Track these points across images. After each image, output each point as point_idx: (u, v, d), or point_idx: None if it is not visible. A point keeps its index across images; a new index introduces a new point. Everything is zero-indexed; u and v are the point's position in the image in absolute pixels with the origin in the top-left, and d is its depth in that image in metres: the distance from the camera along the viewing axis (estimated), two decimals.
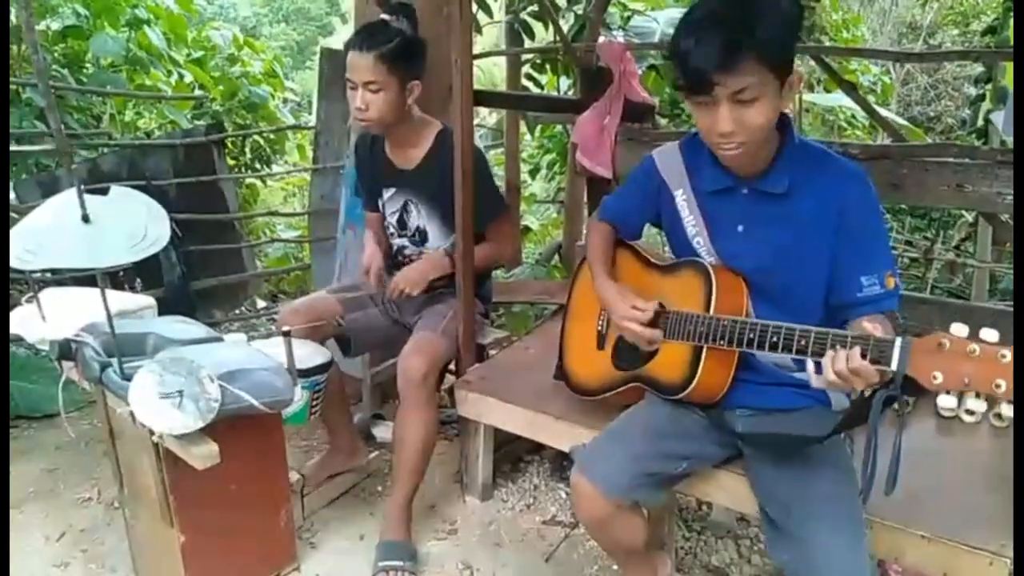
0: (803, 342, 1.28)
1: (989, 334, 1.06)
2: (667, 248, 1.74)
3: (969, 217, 5.11)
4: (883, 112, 3.93)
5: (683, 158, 1.59)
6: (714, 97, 1.28)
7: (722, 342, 1.43)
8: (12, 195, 3.34)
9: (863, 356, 1.17)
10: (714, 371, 1.51)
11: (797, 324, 1.32)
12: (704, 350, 1.49)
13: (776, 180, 1.43)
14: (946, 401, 1.09)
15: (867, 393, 1.22)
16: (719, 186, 1.51)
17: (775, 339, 1.33)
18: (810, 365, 1.28)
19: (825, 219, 1.41)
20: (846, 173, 1.42)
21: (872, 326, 1.20)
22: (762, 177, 1.45)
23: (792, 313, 1.46)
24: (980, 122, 4.24)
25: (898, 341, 1.14)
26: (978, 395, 1.07)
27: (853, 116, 5.76)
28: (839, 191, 1.40)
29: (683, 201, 1.58)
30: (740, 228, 1.51)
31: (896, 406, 1.17)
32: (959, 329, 1.09)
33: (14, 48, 4.06)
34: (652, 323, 1.60)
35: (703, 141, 1.50)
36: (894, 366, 1.14)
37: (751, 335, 1.38)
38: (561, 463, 2.56)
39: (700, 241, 1.57)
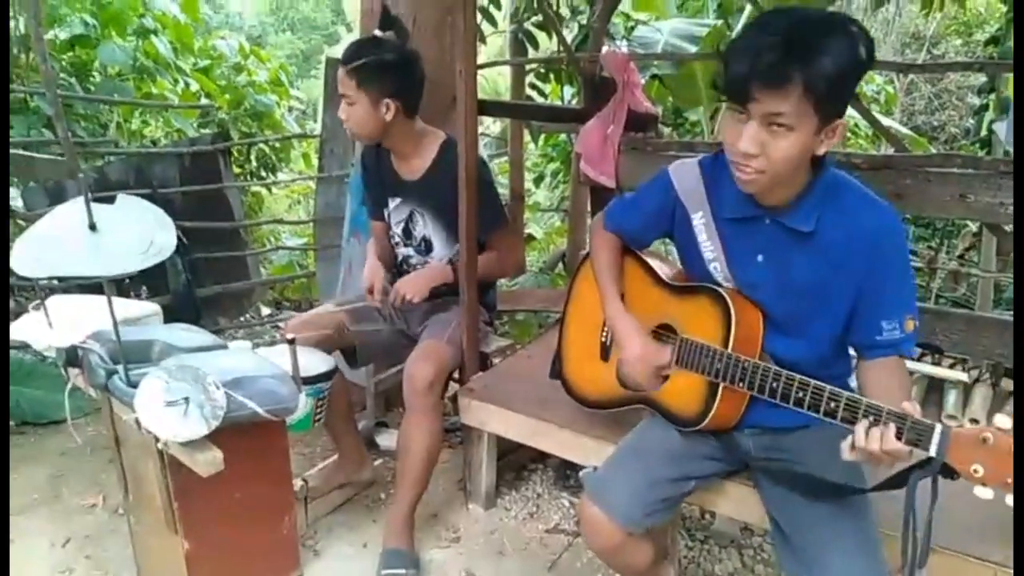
0: (832, 405, 1.25)
1: None
2: (672, 255, 1.73)
3: (973, 227, 5.11)
4: (886, 122, 3.94)
5: (704, 179, 1.51)
6: (748, 111, 1.22)
7: (741, 384, 1.40)
8: (19, 203, 3.37)
9: (898, 436, 1.14)
10: (729, 406, 1.49)
11: (811, 358, 1.32)
12: (720, 387, 1.45)
13: (803, 217, 1.36)
14: (983, 492, 1.08)
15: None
16: (741, 214, 1.44)
17: (801, 395, 1.30)
18: (847, 442, 1.21)
19: (853, 262, 1.35)
20: (879, 216, 1.35)
21: (911, 404, 1.16)
22: (788, 211, 1.37)
23: (805, 344, 1.45)
24: (984, 132, 4.25)
25: (938, 428, 1.11)
26: None
27: (856, 126, 5.76)
28: (871, 235, 1.33)
29: (701, 224, 1.51)
30: (760, 258, 1.44)
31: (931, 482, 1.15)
32: (1003, 421, 1.06)
33: (22, 57, 4.10)
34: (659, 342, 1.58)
35: (725, 161, 1.46)
36: (932, 452, 1.11)
37: (775, 385, 1.34)
38: (564, 472, 2.56)
39: (717, 267, 1.51)
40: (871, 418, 1.19)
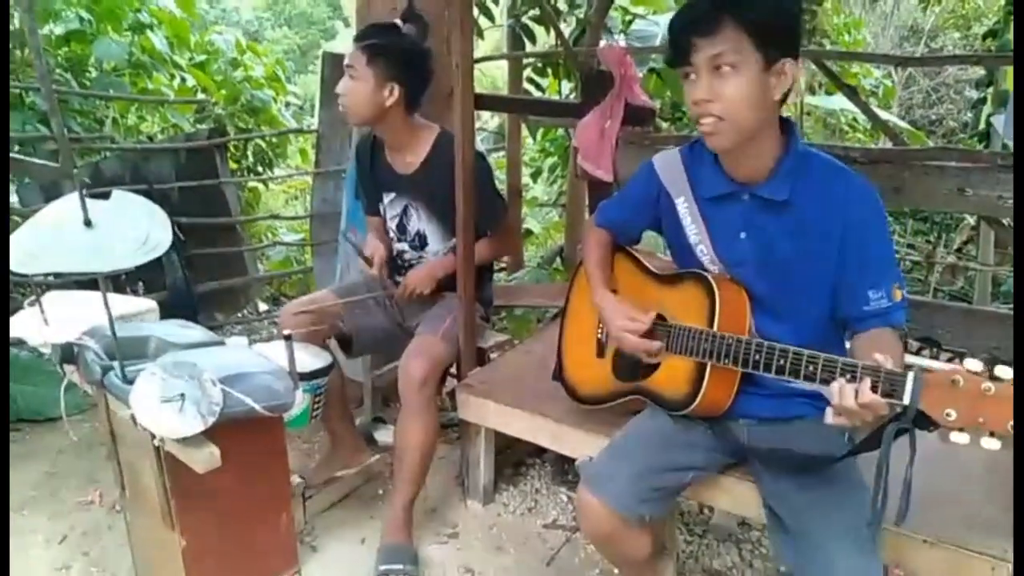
0: (811, 368, 1.26)
1: (1004, 371, 1.04)
2: (666, 251, 1.73)
3: (971, 220, 5.11)
4: (884, 115, 3.93)
5: (684, 165, 1.57)
6: (694, 66, 1.30)
7: (727, 361, 1.41)
8: (15, 198, 3.36)
9: (874, 389, 1.15)
10: (718, 387, 1.49)
11: (803, 342, 1.30)
12: (708, 367, 1.47)
13: (777, 187, 1.41)
14: (959, 437, 1.08)
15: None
16: (720, 192, 1.49)
17: (782, 362, 1.31)
18: (830, 409, 1.22)
19: (830, 230, 1.38)
20: (852, 184, 1.40)
21: (883, 357, 1.17)
22: (764, 183, 1.43)
23: (795, 325, 1.46)
24: (982, 125, 4.24)
25: (910, 375, 1.12)
26: (992, 434, 1.05)
27: (854, 119, 5.76)
28: (845, 202, 1.38)
29: (684, 209, 1.56)
30: (743, 235, 1.48)
31: (908, 438, 1.15)
32: (973, 364, 1.07)
33: (17, 52, 4.08)
34: (651, 335, 1.59)
35: (704, 148, 1.50)
36: (906, 400, 1.12)
37: (757, 357, 1.36)
38: (562, 467, 2.56)
39: (703, 249, 1.55)
40: (847, 376, 1.20)
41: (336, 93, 2.09)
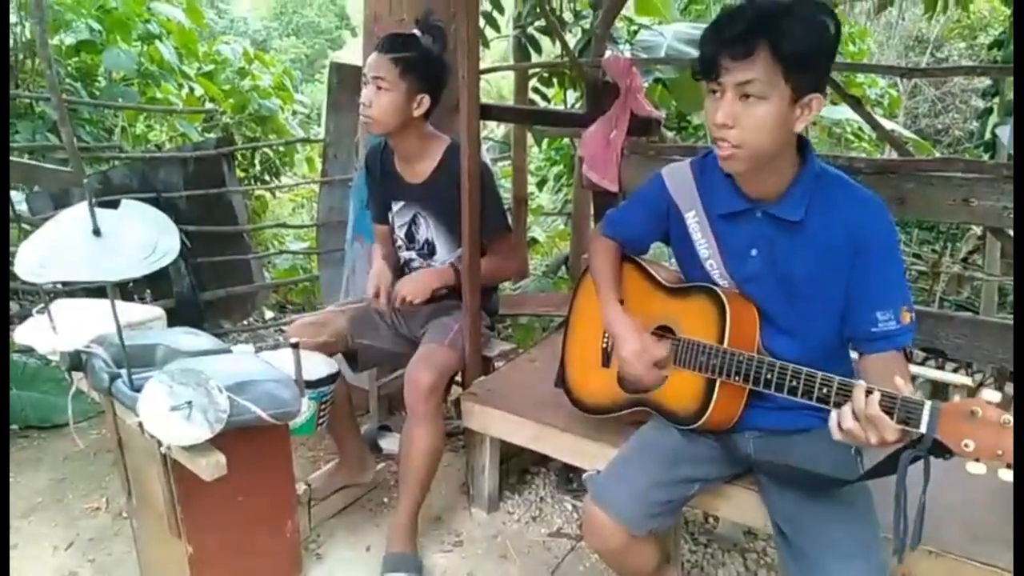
0: (825, 390, 1.25)
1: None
2: (671, 260, 1.73)
3: (977, 230, 5.10)
4: (890, 125, 3.93)
5: (695, 178, 1.55)
6: (721, 86, 1.27)
7: (737, 378, 1.41)
8: (25, 207, 3.38)
9: (890, 415, 1.14)
10: (727, 403, 1.49)
11: (809, 358, 1.30)
12: (717, 383, 1.46)
13: (792, 207, 1.40)
14: (976, 468, 1.08)
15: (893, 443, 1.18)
16: (733, 209, 1.47)
17: (795, 383, 1.31)
18: (833, 416, 1.22)
19: (842, 250, 1.37)
20: (866, 204, 1.39)
21: (903, 382, 1.16)
22: (778, 202, 1.41)
23: (802, 342, 1.46)
24: (988, 135, 4.24)
25: (927, 405, 1.12)
26: (1010, 466, 1.05)
27: (860, 129, 5.76)
28: (858, 223, 1.36)
29: (695, 223, 1.54)
30: (754, 252, 1.47)
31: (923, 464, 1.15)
32: (991, 395, 1.07)
33: (28, 62, 4.12)
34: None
35: (716, 159, 1.50)
36: (923, 429, 1.11)
37: (769, 375, 1.35)
38: (567, 475, 2.56)
39: (713, 264, 1.54)
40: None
41: (360, 103, 2.08)
